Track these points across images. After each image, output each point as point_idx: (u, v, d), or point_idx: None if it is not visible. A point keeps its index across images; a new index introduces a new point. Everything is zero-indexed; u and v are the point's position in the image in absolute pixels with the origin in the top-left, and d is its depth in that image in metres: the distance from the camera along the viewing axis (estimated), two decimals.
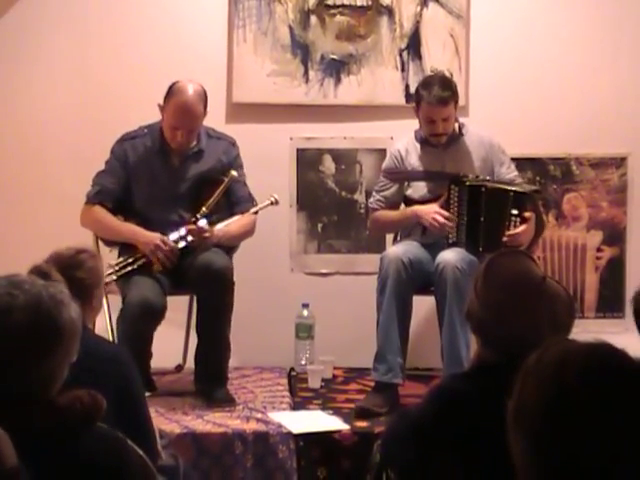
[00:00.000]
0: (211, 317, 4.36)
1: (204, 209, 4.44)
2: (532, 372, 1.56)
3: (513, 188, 4.52)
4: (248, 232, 4.59)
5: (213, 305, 4.35)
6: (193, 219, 4.42)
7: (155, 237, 4.37)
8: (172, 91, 4.44)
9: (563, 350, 1.57)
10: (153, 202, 4.51)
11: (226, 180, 4.50)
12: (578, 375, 1.51)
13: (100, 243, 4.60)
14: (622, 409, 1.48)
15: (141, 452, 2.05)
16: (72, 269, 2.93)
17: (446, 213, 4.51)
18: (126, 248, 4.46)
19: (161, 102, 4.46)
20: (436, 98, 4.49)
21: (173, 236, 4.41)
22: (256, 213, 4.61)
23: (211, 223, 4.44)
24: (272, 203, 4.62)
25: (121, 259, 4.40)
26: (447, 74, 5.03)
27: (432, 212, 4.52)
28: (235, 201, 4.55)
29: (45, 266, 2.73)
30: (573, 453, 1.48)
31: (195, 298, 4.50)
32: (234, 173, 4.53)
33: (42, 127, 5.16)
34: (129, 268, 4.37)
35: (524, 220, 4.47)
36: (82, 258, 3.04)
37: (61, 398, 1.92)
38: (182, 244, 4.39)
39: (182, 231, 4.42)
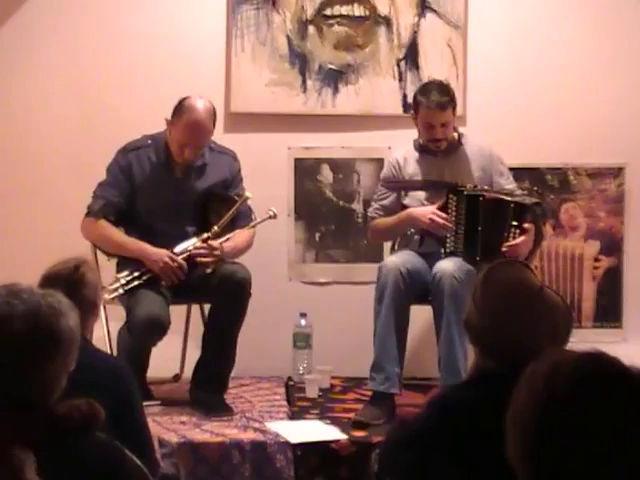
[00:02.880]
0: (224, 326, 4.38)
1: (216, 228, 4.44)
2: (525, 382, 1.58)
3: (514, 199, 4.52)
4: (249, 246, 4.61)
5: (229, 314, 4.36)
6: (205, 236, 4.42)
7: (163, 254, 4.37)
8: (182, 108, 4.42)
9: (554, 360, 1.58)
10: (156, 215, 4.50)
11: (240, 201, 4.49)
12: (565, 385, 1.52)
13: (98, 252, 4.60)
14: (610, 417, 1.49)
15: (138, 461, 2.05)
16: (76, 287, 2.92)
17: (443, 214, 4.51)
18: (126, 258, 4.45)
19: (165, 114, 4.45)
20: (434, 103, 4.51)
21: (178, 249, 4.41)
22: (254, 227, 4.62)
23: (214, 237, 4.44)
24: (270, 217, 4.63)
25: (126, 273, 4.38)
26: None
27: (429, 213, 4.53)
28: (236, 215, 4.54)
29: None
30: (564, 461, 1.49)
31: (210, 307, 4.49)
32: (249, 195, 4.53)
33: (39, 135, 5.16)
34: (136, 282, 4.36)
35: (523, 231, 4.47)
36: (82, 273, 3.04)
37: (60, 407, 1.92)
38: (186, 257, 4.40)
39: (190, 246, 4.42)
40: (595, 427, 1.49)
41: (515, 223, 4.46)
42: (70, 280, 2.96)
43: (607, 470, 1.48)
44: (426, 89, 4.62)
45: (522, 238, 4.46)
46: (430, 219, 4.50)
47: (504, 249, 4.41)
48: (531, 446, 1.53)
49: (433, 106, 4.50)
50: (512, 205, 4.48)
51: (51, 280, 2.92)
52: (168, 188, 4.51)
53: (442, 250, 4.53)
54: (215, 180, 4.56)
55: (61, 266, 3.03)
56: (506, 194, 4.57)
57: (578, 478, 1.49)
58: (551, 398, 1.52)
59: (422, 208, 4.59)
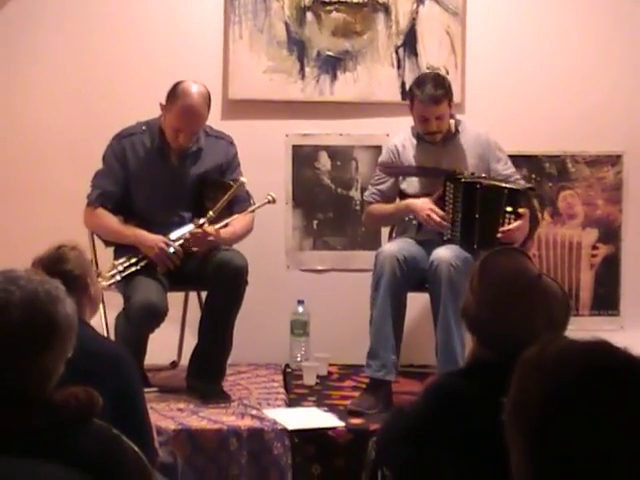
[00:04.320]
0: (220, 313, 4.37)
1: (211, 213, 4.43)
2: (530, 369, 1.56)
3: (507, 185, 4.52)
4: (249, 231, 4.61)
5: (225, 301, 4.36)
6: (200, 222, 4.42)
7: (158, 240, 4.37)
8: (176, 93, 4.40)
9: (563, 347, 1.57)
10: (152, 202, 4.50)
11: (235, 186, 4.49)
12: (578, 372, 1.50)
13: (96, 241, 4.60)
14: (622, 407, 1.48)
15: (137, 449, 2.05)
16: (56, 264, 2.92)
17: (440, 212, 4.52)
18: (123, 246, 4.45)
19: (162, 101, 4.44)
20: (428, 96, 4.49)
21: (174, 235, 4.40)
22: (253, 212, 4.62)
23: (211, 222, 4.44)
24: (269, 202, 4.62)
25: (123, 259, 4.38)
26: (442, 71, 5.05)
27: (426, 208, 4.52)
28: (234, 200, 4.54)
29: (30, 270, 2.72)
30: (571, 450, 1.48)
31: (206, 295, 4.50)
32: (244, 180, 4.52)
33: (39, 124, 5.15)
34: (133, 269, 4.36)
35: (518, 217, 4.48)
36: (63, 251, 3.02)
37: (57, 395, 1.92)
38: (182, 243, 4.40)
39: (185, 232, 4.41)
40: (606, 418, 1.47)
41: (509, 209, 4.46)
42: (50, 259, 2.95)
43: (617, 463, 1.47)
44: (421, 81, 4.59)
45: (517, 223, 4.46)
46: (427, 215, 4.50)
47: (499, 235, 4.42)
48: (536, 437, 1.51)
49: (427, 99, 4.49)
50: (506, 191, 4.48)
51: (34, 263, 2.92)
52: (163, 174, 4.50)
53: (441, 237, 4.54)
54: (210, 165, 4.55)
55: (44, 251, 3.02)
56: (501, 180, 4.57)
57: (586, 471, 1.48)
58: (562, 386, 1.51)
59: (421, 201, 4.58)
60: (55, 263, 2.92)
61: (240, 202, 4.58)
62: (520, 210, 4.48)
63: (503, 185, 4.52)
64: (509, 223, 4.46)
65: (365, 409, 4.28)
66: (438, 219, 4.49)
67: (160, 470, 2.93)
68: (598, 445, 1.46)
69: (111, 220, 4.48)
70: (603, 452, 1.46)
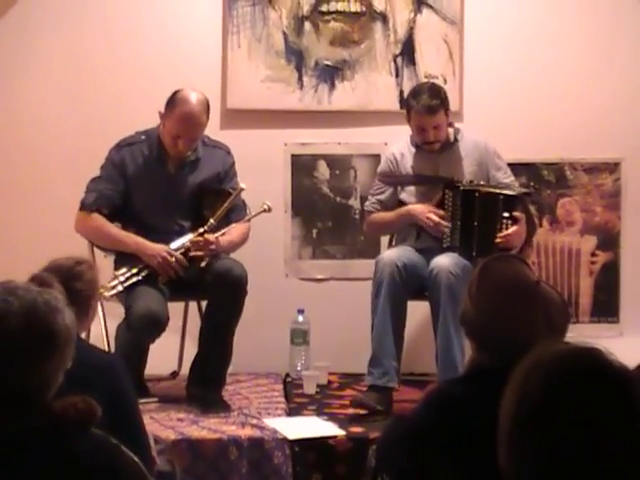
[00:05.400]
0: (220, 323, 4.38)
1: (212, 221, 4.44)
2: (515, 377, 1.58)
3: (502, 191, 4.54)
4: (245, 240, 4.62)
5: (225, 311, 4.36)
6: (201, 230, 4.42)
7: (161, 249, 4.37)
8: (175, 100, 4.42)
9: (531, 361, 1.58)
10: (151, 210, 4.50)
11: (234, 193, 4.50)
12: (538, 383, 1.53)
13: (95, 249, 4.59)
14: (587, 418, 1.48)
15: (135, 458, 2.05)
16: (72, 280, 2.96)
17: (440, 212, 4.53)
18: (124, 256, 4.45)
19: (161, 109, 4.45)
20: (425, 107, 4.50)
21: (175, 244, 4.41)
22: (249, 220, 4.62)
23: (210, 230, 4.45)
24: (265, 210, 4.62)
25: (125, 269, 4.37)
26: (440, 79, 5.07)
27: (426, 211, 4.55)
28: (231, 209, 4.55)
29: (47, 276, 2.74)
30: (552, 451, 1.49)
31: (206, 304, 4.52)
32: (243, 186, 4.53)
33: (37, 131, 5.16)
34: (134, 279, 4.36)
35: (515, 221, 4.49)
36: (81, 269, 3.07)
37: (56, 404, 1.92)
38: (184, 252, 4.40)
39: (186, 241, 4.41)
40: (570, 429, 1.48)
41: (506, 215, 4.48)
42: (68, 273, 2.99)
43: (587, 474, 1.47)
44: (417, 92, 4.61)
45: (514, 228, 4.48)
46: (427, 218, 4.51)
47: (497, 240, 4.43)
48: (507, 445, 1.53)
49: (423, 110, 4.51)
50: (501, 197, 4.50)
51: (51, 269, 2.95)
52: (161, 182, 4.51)
53: (440, 244, 4.55)
54: (208, 174, 4.56)
55: (64, 260, 3.07)
56: (499, 187, 4.59)
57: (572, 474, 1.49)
58: (522, 398, 1.53)
59: (420, 206, 4.60)
60: (71, 279, 2.96)
61: (237, 211, 4.59)
62: (516, 214, 4.50)
63: (498, 191, 4.54)
64: (506, 229, 4.48)
65: (370, 401, 4.29)
66: (437, 219, 4.51)
67: (158, 478, 2.93)
68: (578, 446, 1.47)
69: (108, 226, 4.47)
70: (585, 453, 1.47)
